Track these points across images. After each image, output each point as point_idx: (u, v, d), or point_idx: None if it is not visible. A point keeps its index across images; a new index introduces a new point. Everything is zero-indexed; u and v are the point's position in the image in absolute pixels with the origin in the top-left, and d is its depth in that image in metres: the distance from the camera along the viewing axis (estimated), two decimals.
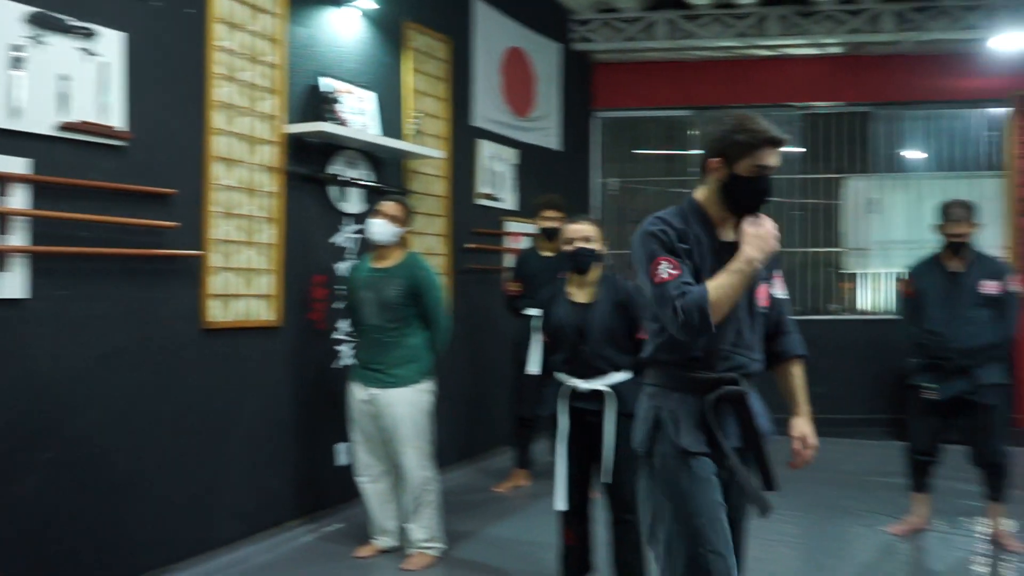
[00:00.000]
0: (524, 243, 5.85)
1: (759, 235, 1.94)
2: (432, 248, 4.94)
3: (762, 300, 2.09)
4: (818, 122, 7.28)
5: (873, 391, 6.77)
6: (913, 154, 7.38)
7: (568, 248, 3.05)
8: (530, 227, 6.00)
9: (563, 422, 3.04)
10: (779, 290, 2.19)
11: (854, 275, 7.33)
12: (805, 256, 7.29)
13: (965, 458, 3.93)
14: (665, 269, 1.95)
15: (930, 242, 4.28)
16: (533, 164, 6.14)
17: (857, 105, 7.18)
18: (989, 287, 3.77)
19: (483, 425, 5.49)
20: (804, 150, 7.27)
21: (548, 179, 6.33)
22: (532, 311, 4.46)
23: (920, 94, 7.10)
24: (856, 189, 7.27)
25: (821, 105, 7.20)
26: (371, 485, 3.63)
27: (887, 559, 3.75)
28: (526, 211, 5.99)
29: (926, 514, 4.05)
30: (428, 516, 3.58)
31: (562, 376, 3.09)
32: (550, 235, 4.59)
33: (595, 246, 3.07)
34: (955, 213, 3.82)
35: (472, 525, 4.11)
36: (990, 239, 6.96)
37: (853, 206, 7.26)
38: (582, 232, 3.04)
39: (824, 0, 6.51)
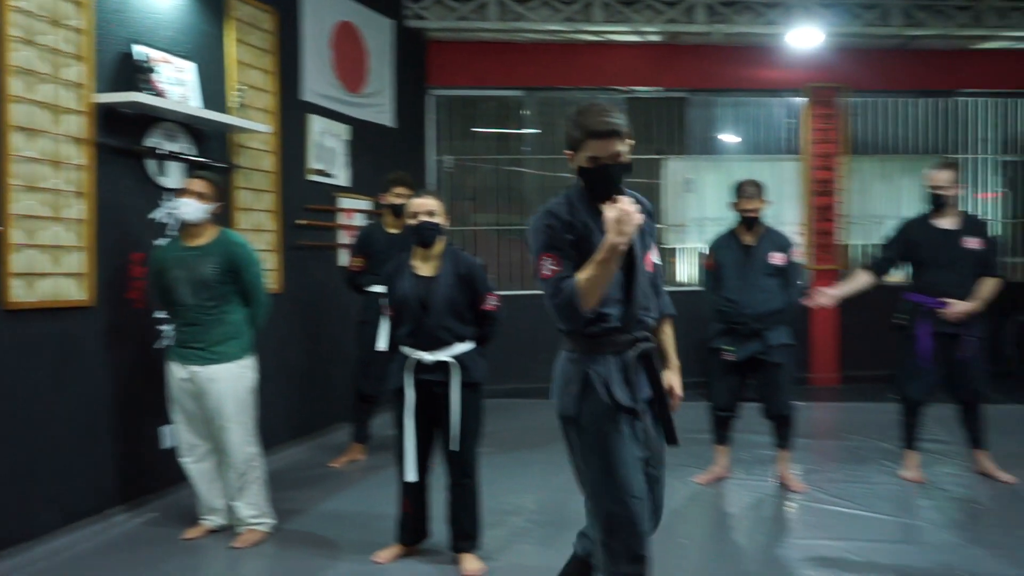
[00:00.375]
0: (364, 220, 5.86)
1: (618, 219, 2.00)
2: (261, 224, 4.85)
3: (649, 266, 2.29)
4: (640, 106, 7.70)
5: (686, 357, 7.33)
6: (725, 138, 7.99)
7: (413, 222, 3.13)
8: (364, 203, 6.03)
9: (410, 395, 3.13)
10: (656, 255, 2.37)
11: (673, 250, 7.86)
12: None
13: (758, 412, 4.38)
14: (547, 266, 2.13)
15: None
16: (367, 140, 6.13)
17: (675, 91, 7.68)
18: (776, 258, 4.23)
19: (319, 402, 5.48)
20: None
21: (382, 156, 6.35)
22: (377, 288, 4.53)
23: (730, 82, 7.69)
24: (674, 169, 7.79)
25: (643, 90, 7.64)
26: (196, 465, 3.57)
27: (694, 505, 4.14)
28: (360, 187, 5.99)
29: (727, 464, 4.51)
30: (255, 493, 3.57)
31: (407, 349, 3.16)
32: (398, 212, 4.55)
33: (439, 220, 3.16)
34: (747, 191, 4.25)
35: (307, 500, 4.13)
36: (789, 216, 7.73)
37: (672, 185, 7.79)
38: (427, 206, 3.13)
39: None
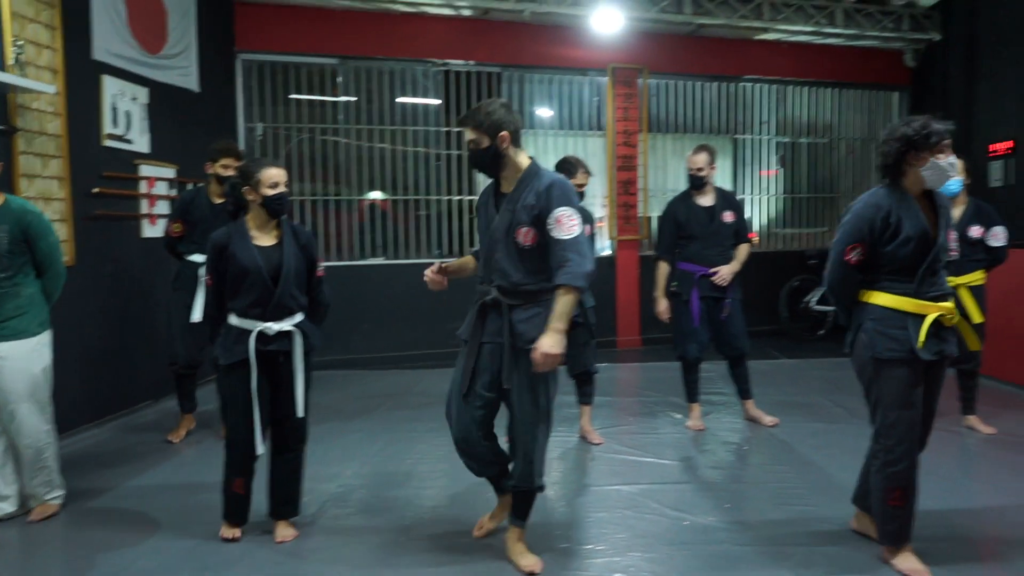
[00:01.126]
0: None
1: None
2: (49, 192, 4.51)
3: (522, 239, 2.82)
4: (456, 79, 7.82)
5: None
6: (538, 112, 8.30)
7: (273, 192, 3.08)
8: (168, 171, 5.74)
9: (255, 368, 3.08)
10: (561, 232, 2.75)
11: None
12: (447, 203, 7.89)
13: (565, 373, 4.70)
14: None
15: None
16: (170, 105, 5.81)
17: (488, 65, 7.86)
18: (587, 230, 4.53)
19: (122, 381, 5.21)
20: (440, 102, 7.78)
21: (188, 121, 6.05)
22: (197, 257, 4.40)
23: (541, 59, 7.98)
24: None
25: (457, 63, 7.75)
26: None
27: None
28: (163, 154, 5.70)
29: None
30: (49, 470, 3.42)
31: (248, 321, 3.10)
32: (224, 182, 4.44)
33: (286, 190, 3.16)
34: (570, 167, 4.60)
35: (110, 478, 3.97)
36: (596, 189, 8.20)
37: None
38: (284, 177, 3.14)
39: None
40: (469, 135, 2.87)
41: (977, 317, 4.36)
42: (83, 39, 4.87)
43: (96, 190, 4.95)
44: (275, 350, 3.13)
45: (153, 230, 5.51)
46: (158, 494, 3.77)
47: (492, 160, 2.86)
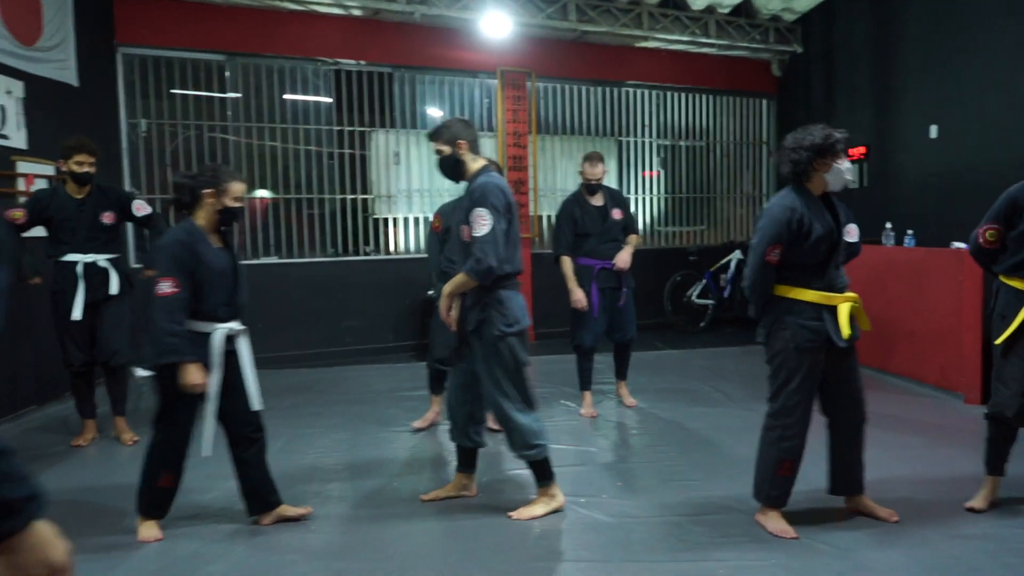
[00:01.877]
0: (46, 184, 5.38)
1: None
2: None
3: (464, 235, 3.27)
4: (347, 78, 7.83)
5: (400, 322, 7.74)
6: (430, 113, 8.41)
7: (236, 204, 3.21)
8: (46, 168, 5.51)
9: (217, 370, 3.14)
10: (474, 230, 3.17)
11: (386, 220, 8.15)
12: (340, 201, 7.89)
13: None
14: None
15: (447, 191, 5.23)
16: (47, 99, 5.59)
17: (380, 65, 7.91)
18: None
19: (5, 382, 4.98)
20: (331, 100, 7.78)
21: (67, 116, 5.83)
22: (72, 256, 4.33)
23: (432, 61, 8.10)
24: (382, 142, 8.07)
25: (348, 63, 7.77)
26: None
27: (416, 448, 4.51)
28: (40, 150, 5.47)
29: (439, 410, 4.95)
30: None
31: (209, 324, 3.14)
32: (81, 179, 4.44)
33: None
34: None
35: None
36: None
37: (380, 157, 8.06)
38: (245, 191, 3.28)
39: None
40: (435, 146, 3.39)
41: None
42: None
43: None
44: (230, 349, 3.22)
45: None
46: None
47: (453, 166, 3.38)
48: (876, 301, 6.15)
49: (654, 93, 9.40)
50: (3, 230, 4.36)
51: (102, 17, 6.61)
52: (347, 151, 7.89)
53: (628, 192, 9.24)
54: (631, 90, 9.25)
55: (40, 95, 5.49)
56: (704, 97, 9.69)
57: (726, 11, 8.68)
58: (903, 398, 5.51)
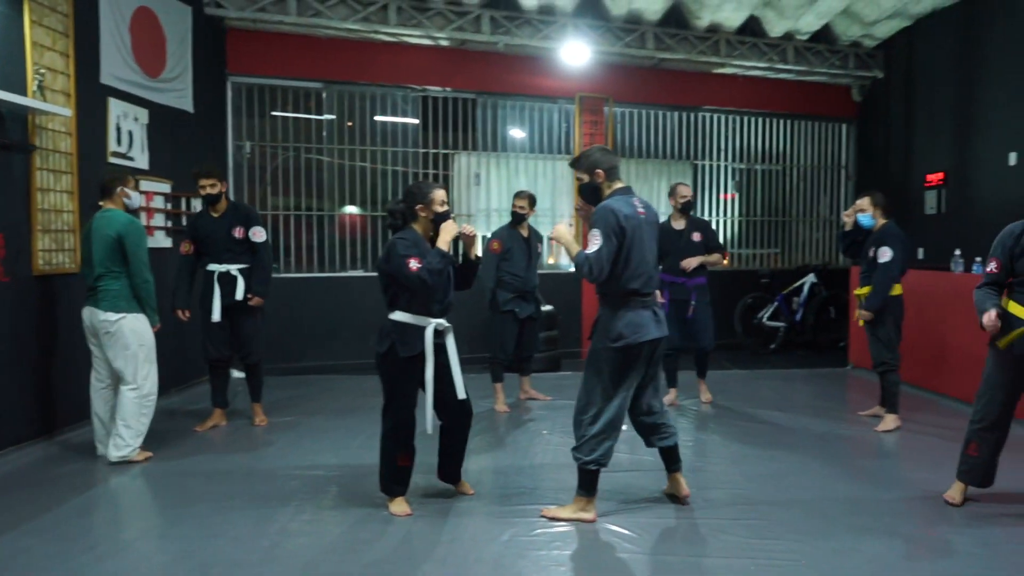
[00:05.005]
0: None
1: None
2: (60, 205, 4.93)
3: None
4: (433, 104, 8.34)
5: (475, 331, 8.15)
6: (510, 136, 8.82)
7: (443, 209, 3.65)
8: (163, 186, 6.17)
9: (431, 359, 3.58)
10: (588, 247, 3.42)
11: None
12: None
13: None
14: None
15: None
16: (166, 125, 6.25)
17: (464, 92, 8.38)
18: (540, 247, 5.37)
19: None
20: (417, 122, 8.28)
21: (182, 140, 6.49)
22: (214, 267, 5.11)
23: (513, 87, 8.52)
24: (464, 163, 8.53)
25: (435, 89, 8.27)
26: None
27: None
28: (159, 170, 6.13)
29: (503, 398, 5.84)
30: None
31: (423, 318, 3.57)
32: (208, 200, 5.11)
33: None
34: (521, 197, 5.78)
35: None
36: (564, 209, 8.73)
37: (462, 178, 8.52)
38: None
39: None
40: (576, 174, 3.64)
41: (861, 321, 5.36)
42: (92, 65, 5.31)
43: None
44: (439, 343, 3.68)
45: (151, 241, 5.93)
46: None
47: (592, 192, 3.59)
48: (924, 323, 6.18)
49: (731, 117, 9.55)
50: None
51: (216, 50, 7.31)
52: (431, 171, 8.38)
53: (703, 214, 9.39)
54: (708, 115, 9.43)
55: (160, 121, 6.15)
56: (781, 121, 9.77)
57: (805, 37, 8.78)
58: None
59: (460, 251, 3.84)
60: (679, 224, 5.85)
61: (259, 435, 5.15)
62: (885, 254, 5.14)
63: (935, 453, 4.73)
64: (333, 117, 8.03)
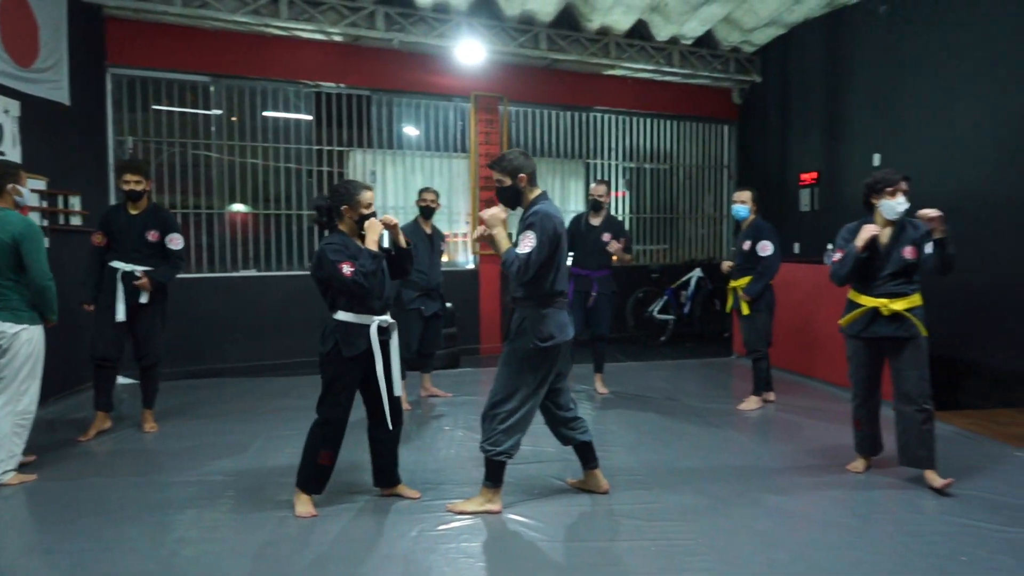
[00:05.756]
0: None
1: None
2: None
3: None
4: (327, 100, 8.21)
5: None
6: (406, 134, 8.80)
7: (370, 211, 3.65)
8: (39, 183, 5.82)
9: (379, 355, 3.56)
10: (520, 247, 3.47)
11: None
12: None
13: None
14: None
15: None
16: (41, 118, 5.89)
17: (359, 89, 8.30)
18: (444, 245, 5.38)
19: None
20: (311, 118, 8.13)
21: (58, 134, 6.15)
22: (119, 264, 4.93)
23: (408, 85, 8.50)
24: (359, 161, 8.44)
25: (328, 85, 8.15)
26: None
27: None
28: (34, 166, 5.77)
29: (405, 396, 5.49)
30: None
31: (367, 316, 3.57)
32: (132, 197, 4.95)
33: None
34: (430, 192, 5.84)
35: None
36: (461, 207, 8.78)
37: (357, 175, 8.42)
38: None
39: None
40: (496, 176, 3.63)
41: (746, 311, 5.70)
42: None
43: None
44: (383, 340, 3.67)
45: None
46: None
47: (513, 196, 3.63)
48: (800, 312, 6.62)
49: (621, 118, 9.86)
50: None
51: (94, 40, 6.94)
52: (325, 169, 8.24)
53: None
54: (599, 115, 9.70)
55: (33, 114, 5.79)
56: (668, 122, 10.17)
57: (689, 42, 9.17)
58: (835, 402, 5.94)
59: (390, 242, 3.85)
60: (595, 221, 6.19)
61: (151, 442, 4.95)
62: (767, 248, 5.54)
63: (813, 431, 5.11)
64: (221, 112, 7.77)
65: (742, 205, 5.75)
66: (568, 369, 3.80)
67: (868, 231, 3.93)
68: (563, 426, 3.82)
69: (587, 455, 3.88)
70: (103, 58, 7.13)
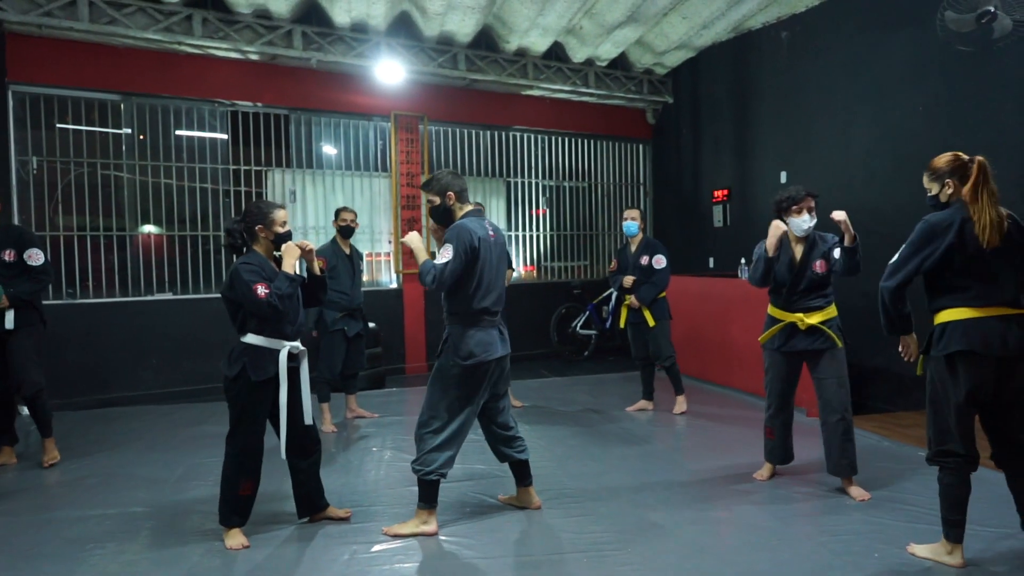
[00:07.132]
0: None
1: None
2: None
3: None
4: (243, 119, 8.06)
5: None
6: (325, 153, 8.71)
7: (284, 230, 3.61)
8: None
9: (285, 383, 3.48)
10: (438, 258, 3.49)
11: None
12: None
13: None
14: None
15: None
16: None
17: (276, 107, 8.18)
18: (362, 264, 5.88)
19: None
20: (227, 137, 7.97)
21: None
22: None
23: (327, 104, 8.43)
24: (278, 180, 8.31)
25: (245, 104, 8.00)
26: None
27: None
28: None
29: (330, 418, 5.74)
30: None
31: (277, 341, 3.49)
32: None
33: None
34: (349, 211, 5.82)
35: None
36: (382, 226, 8.75)
37: (276, 195, 8.29)
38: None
39: (244, 12, 7.31)
40: (427, 197, 3.70)
41: (651, 322, 6.05)
42: None
43: None
44: (293, 366, 3.64)
45: None
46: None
47: (443, 214, 3.68)
48: (715, 324, 6.86)
49: (540, 137, 10.03)
50: None
51: None
52: (243, 189, 8.08)
53: (516, 229, 9.79)
54: (518, 134, 9.84)
55: None
56: (586, 141, 10.40)
57: (604, 64, 9.42)
58: (749, 410, 6.18)
59: (304, 268, 3.81)
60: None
61: (63, 475, 4.74)
62: (661, 261, 6.07)
63: (730, 439, 5.30)
64: (132, 131, 7.53)
65: (633, 222, 6.12)
66: (506, 388, 3.81)
67: (777, 227, 4.12)
68: (503, 444, 3.85)
69: (523, 473, 3.92)
70: (3, 75, 6.82)
